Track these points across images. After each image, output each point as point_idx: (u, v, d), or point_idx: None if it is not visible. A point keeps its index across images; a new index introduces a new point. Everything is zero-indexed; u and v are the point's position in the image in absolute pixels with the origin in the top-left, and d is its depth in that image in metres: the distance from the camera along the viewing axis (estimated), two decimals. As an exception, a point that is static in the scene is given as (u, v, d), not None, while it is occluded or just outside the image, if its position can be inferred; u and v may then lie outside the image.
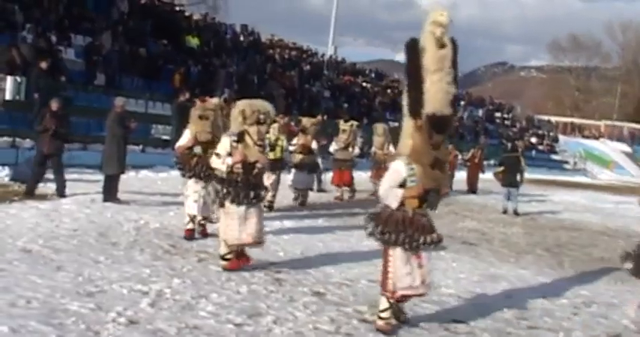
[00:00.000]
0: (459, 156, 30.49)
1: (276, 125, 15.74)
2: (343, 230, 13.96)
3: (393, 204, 7.21)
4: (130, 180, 15.83)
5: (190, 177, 11.37)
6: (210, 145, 10.96)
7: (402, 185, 7.15)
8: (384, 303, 7.39)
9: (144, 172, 20.55)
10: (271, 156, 14.07)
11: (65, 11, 26.71)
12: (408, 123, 7.26)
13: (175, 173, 20.47)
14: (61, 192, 14.58)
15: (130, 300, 7.39)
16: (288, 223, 13.93)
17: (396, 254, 7.26)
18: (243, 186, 9.12)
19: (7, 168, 17.00)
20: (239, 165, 9.11)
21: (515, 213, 20.89)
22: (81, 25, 26.86)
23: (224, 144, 9.21)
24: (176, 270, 9.01)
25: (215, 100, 11.97)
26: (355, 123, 21.51)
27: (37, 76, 20.40)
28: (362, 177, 23.28)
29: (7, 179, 16.15)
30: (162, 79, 28.21)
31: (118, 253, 9.69)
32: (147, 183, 18.48)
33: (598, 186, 48.54)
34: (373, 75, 54.50)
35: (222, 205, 9.18)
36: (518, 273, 11.55)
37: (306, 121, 18.60)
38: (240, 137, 9.10)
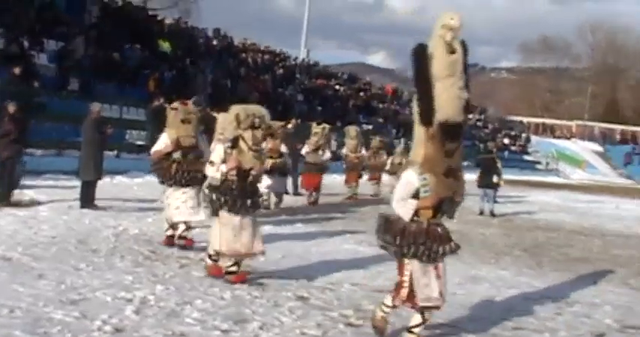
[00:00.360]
0: None
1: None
2: (321, 234, 13.97)
3: (407, 216, 6.94)
4: (105, 186, 15.72)
5: (170, 185, 11.03)
6: (191, 150, 10.96)
7: (415, 196, 6.90)
8: (416, 319, 7.18)
9: (119, 178, 20.43)
10: None
11: (37, 16, 26.43)
12: (419, 132, 7.00)
13: (151, 179, 20.49)
14: (5, 197, 14.08)
15: (115, 308, 7.33)
16: (266, 228, 13.81)
17: (414, 266, 7.02)
18: (239, 194, 8.84)
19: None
20: (234, 172, 8.84)
21: (492, 214, 21.00)
22: (53, 30, 26.58)
23: (218, 151, 9.00)
24: (158, 277, 8.95)
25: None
26: (327, 126, 21.17)
27: (10, 82, 20.21)
28: (336, 181, 23.29)
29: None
30: (136, 84, 28.02)
31: (98, 260, 9.62)
32: (123, 189, 18.40)
33: (571, 185, 48.93)
34: (346, 77, 54.49)
35: (216, 214, 8.91)
36: (498, 274, 11.57)
37: (273, 125, 18.53)
38: (235, 143, 8.84)
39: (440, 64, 6.87)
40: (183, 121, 10.97)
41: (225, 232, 8.79)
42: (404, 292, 7.04)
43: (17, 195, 15.23)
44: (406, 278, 7.04)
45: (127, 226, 12.53)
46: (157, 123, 23.62)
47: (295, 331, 7.16)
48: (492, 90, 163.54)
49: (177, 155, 11.00)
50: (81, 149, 14.83)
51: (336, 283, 9.58)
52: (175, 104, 11.38)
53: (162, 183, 11.26)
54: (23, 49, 23.32)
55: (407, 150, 26.22)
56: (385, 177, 24.74)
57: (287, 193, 20.98)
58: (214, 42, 38.91)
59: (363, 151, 22.90)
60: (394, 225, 7.06)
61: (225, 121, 10.52)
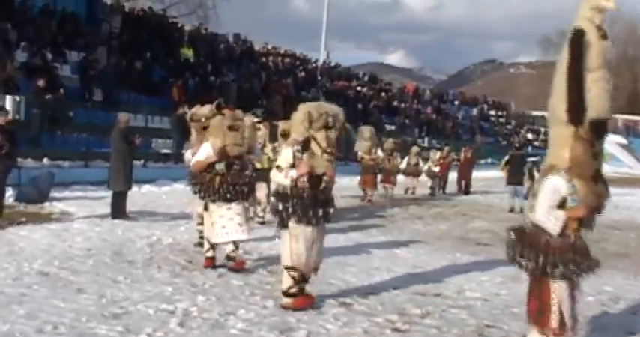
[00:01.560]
0: (455, 158, 30.31)
1: (262, 131, 15.09)
2: (351, 237, 13.82)
3: (555, 229, 6.13)
4: (134, 196, 15.64)
5: (213, 201, 9.84)
6: (236, 161, 9.95)
7: (562, 205, 6.12)
8: None
9: (147, 187, 20.35)
10: (258, 165, 13.03)
11: (58, 28, 26.55)
12: (563, 132, 6.25)
13: (179, 186, 20.57)
14: None
15: (158, 321, 7.23)
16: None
17: (561, 288, 6.26)
18: (311, 203, 7.89)
19: (10, 188, 16.77)
20: (304, 179, 7.88)
21: (522, 212, 20.72)
22: (75, 41, 26.70)
23: (286, 155, 7.98)
24: (198, 287, 8.84)
25: (207, 107, 11.16)
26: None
27: (35, 94, 20.25)
28: (352, 183, 22.91)
29: (11, 200, 15.89)
30: (159, 93, 28.03)
31: (136, 271, 9.52)
32: (152, 198, 18.32)
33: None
34: (366, 78, 54.34)
35: (284, 225, 7.97)
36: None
37: (283, 124, 18.08)
38: (306, 145, 7.90)
39: (594, 52, 6.23)
40: (230, 128, 9.87)
41: (295, 245, 7.91)
42: (555, 321, 6.24)
43: (48, 207, 15.25)
44: (554, 303, 6.26)
45: (160, 236, 12.43)
46: (181, 132, 23.72)
47: (343, 339, 7.04)
48: (511, 85, 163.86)
49: (220, 166, 9.86)
50: (110, 160, 14.71)
51: (377, 287, 9.44)
52: (215, 110, 10.58)
53: (202, 198, 10.12)
54: (46, 61, 23.38)
55: (425, 149, 26.01)
56: (401, 178, 24.84)
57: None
58: (235, 47, 38.89)
59: (379, 152, 22.42)
60: (533, 239, 6.29)
61: (217, 125, 10.07)
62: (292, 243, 7.94)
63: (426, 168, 26.51)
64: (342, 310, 8.15)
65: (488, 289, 9.84)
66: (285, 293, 8.04)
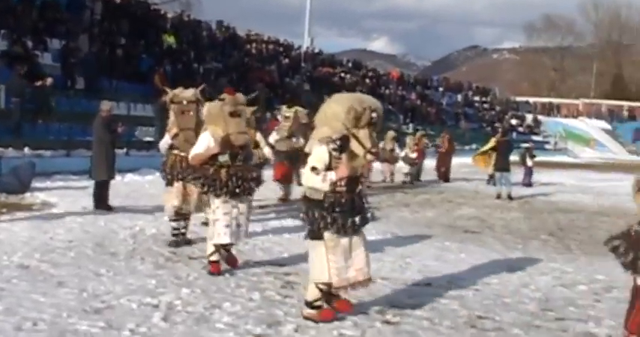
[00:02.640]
0: (428, 143, 29.54)
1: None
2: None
3: None
4: (117, 185, 15.37)
5: (218, 196, 8.83)
6: (241, 151, 8.96)
7: None
8: None
9: (130, 176, 20.07)
10: None
11: (39, 15, 26.16)
12: None
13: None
14: None
15: (141, 315, 7.00)
16: (285, 222, 13.54)
17: None
18: (350, 210, 6.94)
19: (-10, 178, 16.52)
20: (343, 182, 6.89)
21: (510, 198, 20.65)
22: (56, 29, 26.32)
23: (320, 154, 6.85)
24: (182, 279, 8.61)
25: (191, 91, 10.75)
26: (301, 109, 18.30)
27: (18, 82, 19.93)
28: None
29: (-8, 190, 15.65)
30: (142, 80, 27.69)
31: (118, 264, 9.27)
32: (135, 188, 18.08)
33: (581, 164, 48.57)
34: (350, 65, 54.16)
35: (318, 236, 6.96)
36: (528, 261, 11.24)
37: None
38: (345, 144, 6.79)
39: None
40: (232, 114, 8.85)
41: (334, 258, 6.90)
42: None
43: (29, 198, 14.98)
44: None
45: (143, 226, 12.18)
46: (164, 119, 23.43)
47: (332, 332, 6.82)
48: (495, 71, 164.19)
49: (224, 158, 8.85)
50: (92, 149, 14.42)
51: (366, 278, 9.24)
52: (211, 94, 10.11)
53: (205, 193, 9.12)
54: (27, 49, 22.98)
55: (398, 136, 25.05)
56: (375, 165, 23.40)
57: (300, 184, 20.62)
58: (218, 34, 38.59)
59: None
60: None
61: (216, 112, 8.96)
62: (329, 256, 6.90)
63: (403, 154, 25.62)
64: (330, 302, 7.95)
65: (479, 278, 9.66)
66: (310, 305, 7.19)
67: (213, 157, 8.86)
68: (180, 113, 10.56)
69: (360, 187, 7.10)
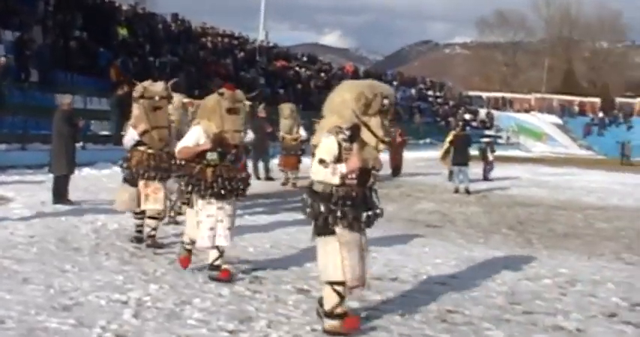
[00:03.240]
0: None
1: (189, 110, 12.83)
2: (298, 220, 13.55)
3: None
4: (74, 180, 15.08)
5: (203, 197, 8.30)
6: (232, 150, 8.45)
7: None
8: None
9: (87, 170, 19.82)
10: None
11: (-9, 6, 25.77)
12: None
13: (118, 169, 20.01)
14: None
15: (111, 312, 6.88)
16: (247, 217, 13.47)
17: None
18: (361, 204, 6.57)
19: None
20: (354, 175, 6.47)
21: (467, 192, 20.77)
22: (9, 20, 25.88)
23: (328, 145, 6.41)
24: (149, 275, 8.50)
25: (161, 85, 10.24)
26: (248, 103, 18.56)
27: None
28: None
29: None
30: (97, 73, 27.36)
31: (83, 259, 9.13)
32: (92, 182, 17.86)
33: (533, 159, 49.13)
34: (305, 59, 54.08)
35: (327, 232, 6.52)
36: (491, 255, 11.33)
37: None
38: (355, 133, 6.40)
39: None
40: (229, 111, 8.34)
41: (348, 255, 6.46)
42: None
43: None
44: None
45: (104, 221, 12.01)
46: (121, 113, 23.18)
47: (305, 328, 6.77)
48: (447, 66, 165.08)
49: (212, 156, 8.31)
50: (52, 143, 14.19)
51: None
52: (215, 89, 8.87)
53: (189, 192, 8.53)
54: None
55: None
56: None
57: (258, 178, 20.52)
58: (173, 27, 38.28)
59: (302, 132, 21.09)
60: None
61: (213, 106, 8.43)
62: (343, 252, 6.44)
63: None
64: (301, 297, 7.91)
65: (444, 272, 9.72)
66: (331, 315, 6.60)
67: (201, 154, 8.32)
68: (152, 110, 10.05)
69: (372, 181, 6.69)
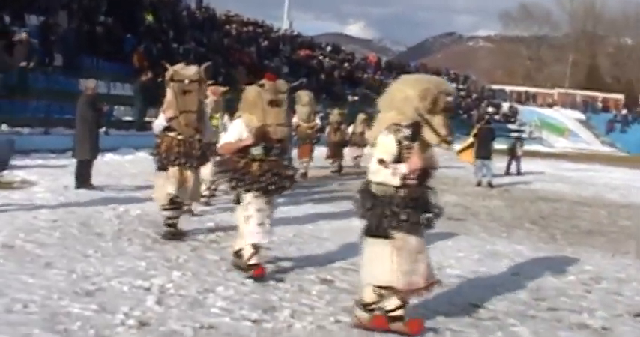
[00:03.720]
0: None
1: (210, 99, 12.62)
2: (323, 209, 13.53)
3: None
4: (97, 165, 15.03)
5: (249, 191, 7.89)
6: (276, 144, 8.03)
7: None
8: None
9: (109, 155, 19.79)
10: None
11: (17, -10, 25.76)
12: None
13: (142, 154, 20.05)
14: None
15: (134, 298, 6.85)
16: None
17: None
18: (422, 206, 6.24)
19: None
20: (414, 175, 6.14)
21: (490, 186, 20.65)
22: (34, 4, 25.90)
23: (387, 144, 6.08)
24: (172, 262, 8.46)
25: (194, 69, 9.90)
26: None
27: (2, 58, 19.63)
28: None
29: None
30: (121, 59, 27.35)
31: (106, 245, 9.09)
32: (115, 167, 17.82)
33: (555, 154, 48.80)
34: (329, 49, 53.94)
35: (383, 235, 6.17)
36: (515, 249, 11.24)
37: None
38: (416, 132, 6.09)
39: None
40: (271, 103, 7.90)
41: (400, 260, 6.16)
42: None
43: (8, 176, 14.71)
44: None
45: (127, 206, 11.94)
46: (144, 98, 23.22)
47: (329, 318, 6.73)
48: (470, 58, 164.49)
49: (257, 151, 7.90)
50: (76, 127, 14.16)
51: (357, 263, 9.09)
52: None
53: (233, 188, 8.15)
54: (5, 25, 22.60)
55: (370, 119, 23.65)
56: (347, 150, 23.24)
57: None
58: (197, 14, 38.25)
59: (317, 120, 20.84)
60: None
61: (254, 99, 7.97)
62: (395, 257, 6.14)
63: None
64: (324, 287, 7.86)
65: (468, 266, 9.64)
66: (365, 307, 6.48)
67: (244, 149, 7.90)
68: (182, 93, 9.65)
69: (429, 181, 6.35)
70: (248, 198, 7.88)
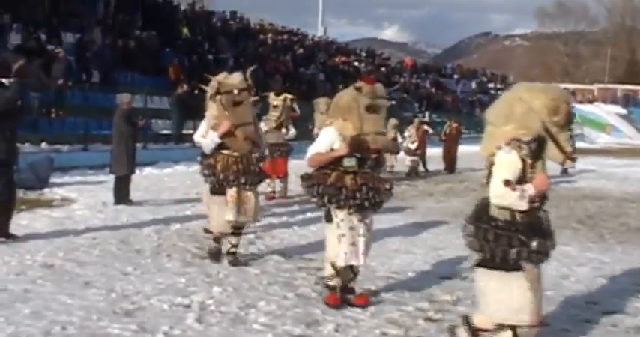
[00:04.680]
0: (429, 131, 26.26)
1: None
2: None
3: None
4: (135, 179, 14.97)
5: (342, 208, 7.00)
6: (375, 153, 7.22)
7: None
8: None
9: (148, 170, 19.73)
10: None
11: (52, 8, 25.92)
12: None
13: (180, 168, 20.04)
14: None
15: (174, 316, 6.71)
16: (309, 214, 13.20)
17: None
18: (547, 233, 5.49)
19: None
20: (538, 198, 5.34)
21: (533, 186, 20.25)
22: (69, 22, 26.05)
23: (512, 162, 5.25)
24: (212, 277, 8.30)
25: (239, 76, 9.00)
26: (289, 96, 16.44)
27: (37, 77, 19.65)
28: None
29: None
30: (157, 72, 27.39)
31: (145, 262, 8.97)
32: (153, 181, 17.75)
33: (597, 150, 48.10)
34: (364, 54, 53.80)
35: (515, 269, 5.35)
36: (563, 250, 10.82)
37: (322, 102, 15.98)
38: (540, 147, 5.34)
39: None
40: (369, 109, 7.01)
41: (534, 295, 5.41)
42: None
43: (48, 194, 14.72)
44: None
45: (166, 221, 11.85)
46: (181, 111, 23.21)
47: (374, 331, 6.54)
48: (506, 58, 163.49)
49: (350, 162, 7.01)
50: (112, 142, 14.11)
51: (399, 271, 8.96)
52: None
53: (322, 205, 7.20)
54: (41, 43, 22.73)
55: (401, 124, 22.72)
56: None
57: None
58: (232, 24, 38.34)
59: None
60: None
61: (348, 103, 7.07)
62: (530, 292, 5.37)
63: (405, 144, 23.00)
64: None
65: (515, 271, 9.35)
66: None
67: (336, 160, 7.05)
68: (232, 105, 8.73)
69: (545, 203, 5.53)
70: (341, 215, 7.01)
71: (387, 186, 7.24)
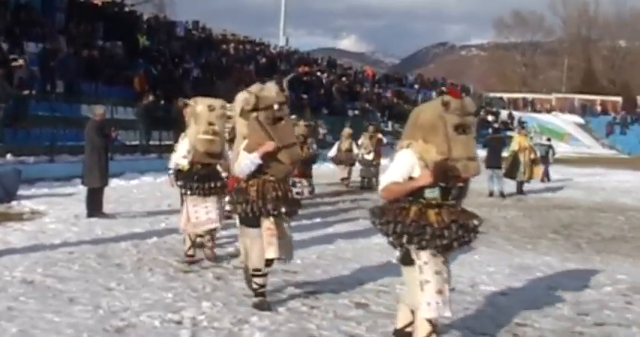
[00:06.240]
0: (384, 140, 24.80)
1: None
2: (339, 229, 13.21)
3: None
4: (104, 191, 14.74)
5: (425, 248, 5.58)
6: (462, 182, 5.72)
7: None
8: None
9: (115, 181, 19.29)
10: None
11: (13, 18, 25.49)
12: None
13: (147, 179, 19.79)
14: None
15: (167, 333, 6.52)
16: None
17: None
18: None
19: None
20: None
21: (502, 195, 20.35)
22: (32, 32, 25.63)
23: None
24: (199, 291, 8.10)
25: (272, 87, 7.42)
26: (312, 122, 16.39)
27: (2, 87, 19.33)
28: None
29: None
30: (123, 83, 27.06)
31: (127, 276, 8.73)
32: (122, 193, 17.45)
33: (557, 159, 48.38)
34: (325, 64, 53.79)
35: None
36: (544, 261, 10.97)
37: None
38: None
39: None
40: (458, 128, 5.59)
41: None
42: None
43: (16, 207, 14.41)
44: None
45: (143, 235, 11.61)
46: (147, 122, 22.95)
47: (371, 346, 6.41)
48: (463, 67, 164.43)
49: (434, 193, 5.60)
50: (84, 154, 13.84)
51: (388, 285, 8.81)
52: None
53: (400, 245, 5.72)
54: (3, 53, 22.32)
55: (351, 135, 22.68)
56: (331, 167, 22.68)
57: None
58: (194, 34, 38.11)
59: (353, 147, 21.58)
60: None
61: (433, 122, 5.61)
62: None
63: (360, 155, 21.90)
64: (360, 312, 7.52)
65: (501, 282, 9.34)
66: None
67: (417, 191, 5.62)
68: (273, 122, 7.36)
69: None
70: (424, 257, 5.63)
71: (476, 222, 5.88)
